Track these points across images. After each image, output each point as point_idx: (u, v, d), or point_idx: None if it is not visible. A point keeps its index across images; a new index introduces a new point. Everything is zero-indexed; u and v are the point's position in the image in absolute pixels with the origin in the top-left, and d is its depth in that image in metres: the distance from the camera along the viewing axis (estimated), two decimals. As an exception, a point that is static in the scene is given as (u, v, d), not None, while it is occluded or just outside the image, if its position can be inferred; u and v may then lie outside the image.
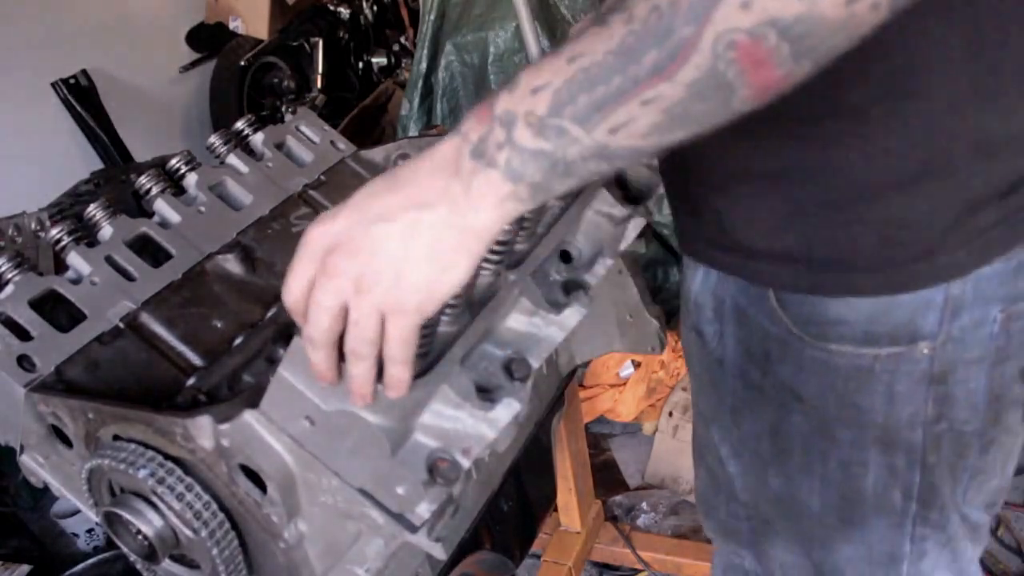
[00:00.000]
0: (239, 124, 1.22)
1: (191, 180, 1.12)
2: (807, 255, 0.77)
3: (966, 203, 0.72)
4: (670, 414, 2.32)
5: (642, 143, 0.54)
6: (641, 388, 2.43)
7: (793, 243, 0.77)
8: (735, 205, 0.80)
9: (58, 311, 0.95)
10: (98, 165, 3.40)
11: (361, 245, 0.57)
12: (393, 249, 0.57)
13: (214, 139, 1.17)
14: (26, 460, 0.93)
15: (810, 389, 0.85)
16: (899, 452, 0.85)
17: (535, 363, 0.80)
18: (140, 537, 0.78)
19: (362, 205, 0.58)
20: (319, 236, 0.59)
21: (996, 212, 0.73)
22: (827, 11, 0.48)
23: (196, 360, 0.96)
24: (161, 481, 0.76)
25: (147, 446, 0.78)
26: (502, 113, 0.55)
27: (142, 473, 0.76)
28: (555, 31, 2.84)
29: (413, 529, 0.69)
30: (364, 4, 4.47)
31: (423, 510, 0.69)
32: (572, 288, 0.88)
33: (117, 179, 2.87)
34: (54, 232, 0.99)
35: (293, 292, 0.61)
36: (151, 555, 0.79)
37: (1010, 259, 0.75)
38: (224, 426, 0.72)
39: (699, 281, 0.93)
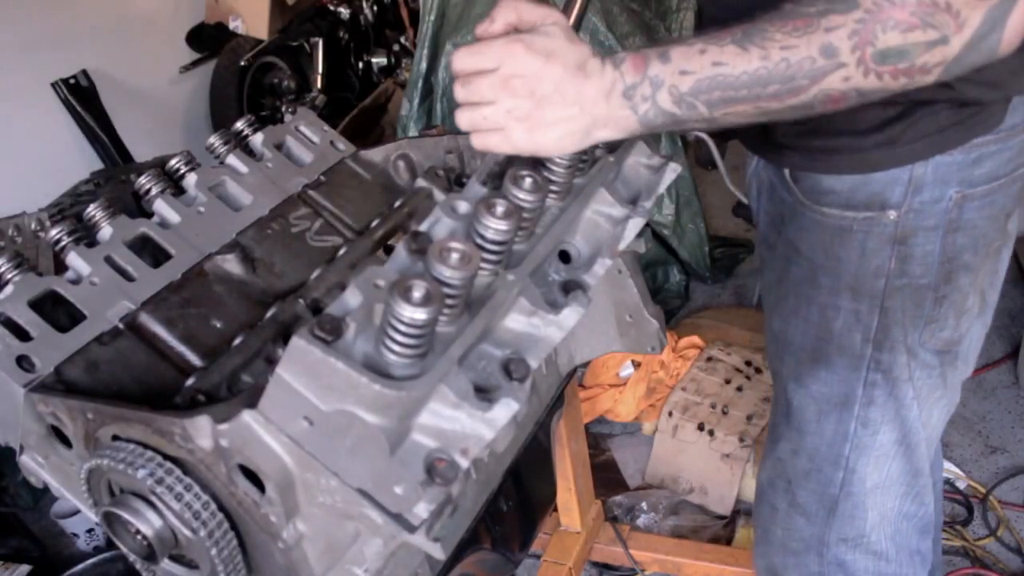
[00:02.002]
0: (239, 124, 1.22)
1: (191, 180, 1.12)
2: (809, 145, 1.05)
3: (924, 109, 0.96)
4: (670, 414, 2.32)
5: (741, 122, 0.82)
6: (641, 388, 2.44)
7: (799, 138, 1.05)
8: None
9: (58, 311, 0.95)
10: (98, 165, 3.41)
11: (531, 87, 0.82)
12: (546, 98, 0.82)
13: (214, 139, 1.17)
14: (26, 460, 0.93)
15: (806, 243, 1.11)
16: (864, 298, 1.09)
17: (534, 363, 0.80)
18: (139, 537, 0.78)
19: (545, 72, 0.82)
20: (504, 60, 0.82)
21: (950, 115, 0.96)
22: (892, 86, 0.78)
23: (195, 360, 0.96)
24: (160, 481, 0.76)
25: (146, 446, 0.78)
26: (653, 76, 0.81)
27: (141, 473, 0.76)
28: (555, 31, 2.84)
29: (411, 529, 0.69)
30: (364, 4, 4.48)
31: (421, 510, 0.69)
32: (571, 288, 0.88)
33: (117, 179, 2.88)
34: (54, 232, 0.99)
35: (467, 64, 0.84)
36: (150, 555, 0.79)
37: (969, 152, 0.99)
38: (223, 426, 0.72)
39: (752, 169, 1.25)
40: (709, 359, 2.46)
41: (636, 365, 2.48)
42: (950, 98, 0.95)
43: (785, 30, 0.78)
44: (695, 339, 2.55)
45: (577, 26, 1.01)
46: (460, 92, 0.85)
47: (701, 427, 2.26)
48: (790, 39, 0.77)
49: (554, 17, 0.85)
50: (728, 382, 2.37)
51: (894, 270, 1.06)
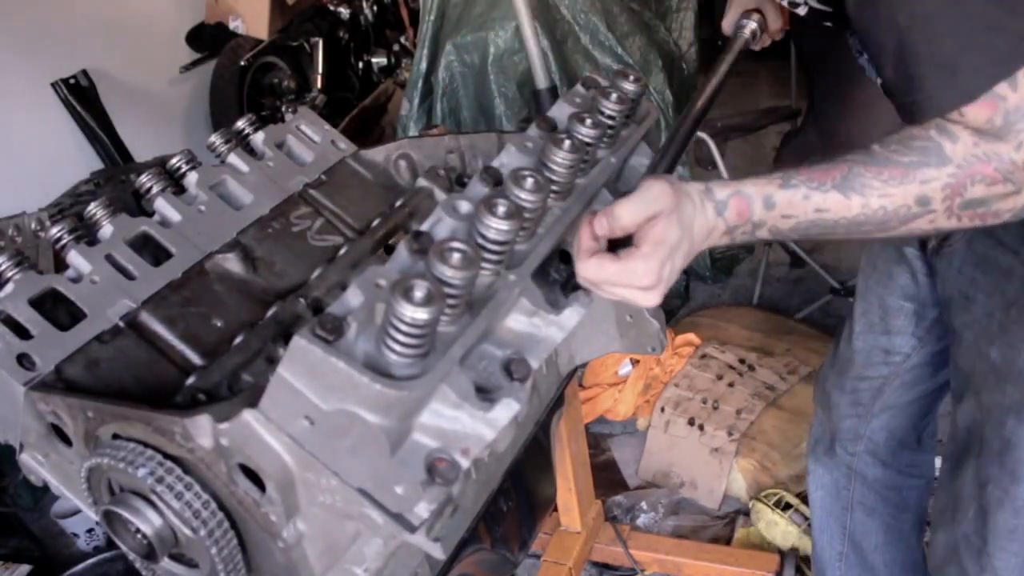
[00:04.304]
0: (240, 123, 1.21)
1: (191, 179, 1.12)
2: None
3: None
4: (662, 409, 2.33)
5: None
6: (640, 386, 2.45)
7: None
8: None
9: (58, 310, 0.95)
10: (98, 165, 3.40)
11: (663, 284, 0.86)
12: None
13: (215, 138, 1.17)
14: (26, 458, 0.93)
15: None
16: None
17: (534, 363, 0.80)
18: (139, 536, 0.78)
19: (677, 246, 0.85)
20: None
21: None
22: (967, 225, 0.86)
23: (196, 359, 0.96)
24: (160, 480, 0.76)
25: (146, 445, 0.78)
26: (757, 221, 0.87)
27: (141, 472, 0.76)
28: (555, 31, 2.85)
29: (412, 529, 0.69)
30: (364, 4, 4.48)
31: (422, 510, 0.69)
32: (572, 288, 0.88)
33: (117, 179, 2.88)
34: (54, 231, 0.99)
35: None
36: (150, 554, 0.79)
37: None
38: (223, 425, 0.72)
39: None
40: (703, 356, 2.47)
41: (635, 363, 2.48)
42: None
43: (882, 178, 0.84)
44: (691, 336, 2.56)
45: (673, 164, 1.01)
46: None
47: (692, 422, 2.26)
48: (888, 188, 0.84)
49: (650, 220, 0.84)
50: (720, 378, 2.37)
51: None
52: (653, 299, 0.85)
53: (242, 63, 3.94)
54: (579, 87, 1.06)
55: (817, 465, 1.55)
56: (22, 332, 0.90)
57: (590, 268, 0.84)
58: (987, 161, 0.82)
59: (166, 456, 0.77)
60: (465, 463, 0.70)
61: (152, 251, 1.04)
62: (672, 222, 0.84)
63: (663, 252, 0.83)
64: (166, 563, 0.83)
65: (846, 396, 1.43)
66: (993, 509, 1.12)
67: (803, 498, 2.04)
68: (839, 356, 1.45)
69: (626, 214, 0.84)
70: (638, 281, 0.84)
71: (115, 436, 0.81)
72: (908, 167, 0.83)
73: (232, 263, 1.06)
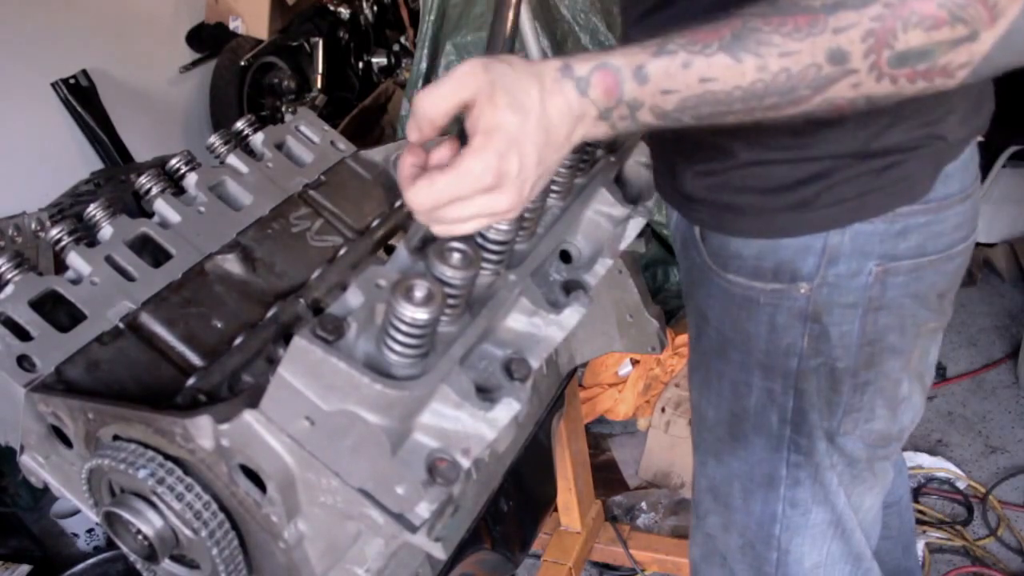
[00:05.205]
0: (239, 124, 1.22)
1: (191, 180, 1.12)
2: (715, 200, 0.94)
3: (841, 173, 0.86)
4: (663, 410, 2.33)
5: (732, 125, 0.71)
6: (640, 386, 2.44)
7: (707, 192, 0.94)
8: (683, 164, 0.97)
9: (58, 311, 0.95)
10: (98, 165, 3.40)
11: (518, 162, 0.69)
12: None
13: (214, 139, 1.17)
14: (26, 460, 0.93)
15: (714, 312, 1.00)
16: (777, 377, 0.98)
17: (535, 363, 0.80)
18: (140, 537, 0.78)
19: (518, 134, 0.68)
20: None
21: (871, 180, 0.86)
22: (907, 90, 0.67)
23: (196, 360, 0.96)
24: (161, 481, 0.76)
25: (147, 446, 0.78)
26: (631, 100, 0.70)
27: (142, 473, 0.76)
28: (555, 31, 2.84)
29: (413, 529, 0.69)
30: (364, 4, 4.47)
31: (423, 510, 0.69)
32: (572, 288, 0.88)
33: (117, 179, 2.87)
34: (54, 232, 0.99)
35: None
36: (151, 555, 0.79)
37: (893, 221, 0.88)
38: (224, 426, 0.72)
39: (673, 222, 1.13)
40: (707, 358, 2.47)
41: (635, 363, 2.48)
42: (876, 152, 0.85)
43: (784, 30, 0.65)
44: (693, 337, 2.56)
45: (513, 35, 0.85)
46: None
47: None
48: (790, 43, 0.65)
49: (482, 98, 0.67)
50: (723, 379, 2.37)
51: (807, 349, 0.94)
52: (505, 202, 0.68)
53: (242, 63, 3.94)
54: (579, 87, 1.06)
55: None
56: (22, 334, 0.90)
57: (420, 191, 0.67)
58: None
59: (167, 457, 0.77)
60: (466, 463, 0.70)
61: (152, 252, 1.04)
62: (498, 105, 0.66)
63: (498, 141, 0.66)
64: (167, 564, 0.83)
65: None
66: (719, 534, 1.17)
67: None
68: None
69: (427, 103, 0.68)
70: (477, 182, 0.66)
71: (115, 437, 0.81)
72: (819, 11, 0.64)
73: (232, 264, 1.06)
